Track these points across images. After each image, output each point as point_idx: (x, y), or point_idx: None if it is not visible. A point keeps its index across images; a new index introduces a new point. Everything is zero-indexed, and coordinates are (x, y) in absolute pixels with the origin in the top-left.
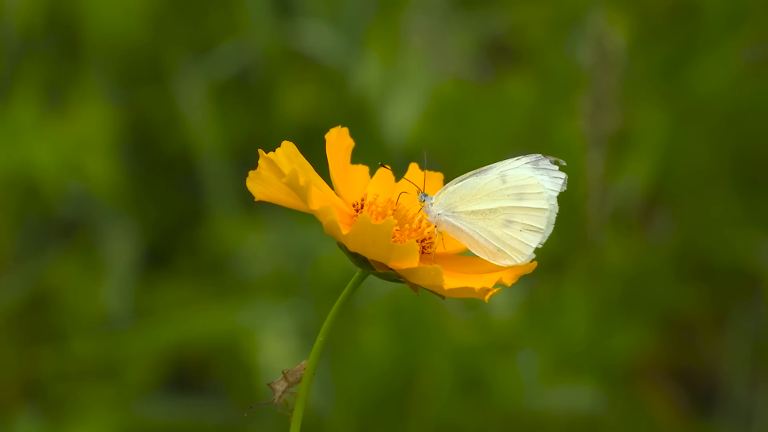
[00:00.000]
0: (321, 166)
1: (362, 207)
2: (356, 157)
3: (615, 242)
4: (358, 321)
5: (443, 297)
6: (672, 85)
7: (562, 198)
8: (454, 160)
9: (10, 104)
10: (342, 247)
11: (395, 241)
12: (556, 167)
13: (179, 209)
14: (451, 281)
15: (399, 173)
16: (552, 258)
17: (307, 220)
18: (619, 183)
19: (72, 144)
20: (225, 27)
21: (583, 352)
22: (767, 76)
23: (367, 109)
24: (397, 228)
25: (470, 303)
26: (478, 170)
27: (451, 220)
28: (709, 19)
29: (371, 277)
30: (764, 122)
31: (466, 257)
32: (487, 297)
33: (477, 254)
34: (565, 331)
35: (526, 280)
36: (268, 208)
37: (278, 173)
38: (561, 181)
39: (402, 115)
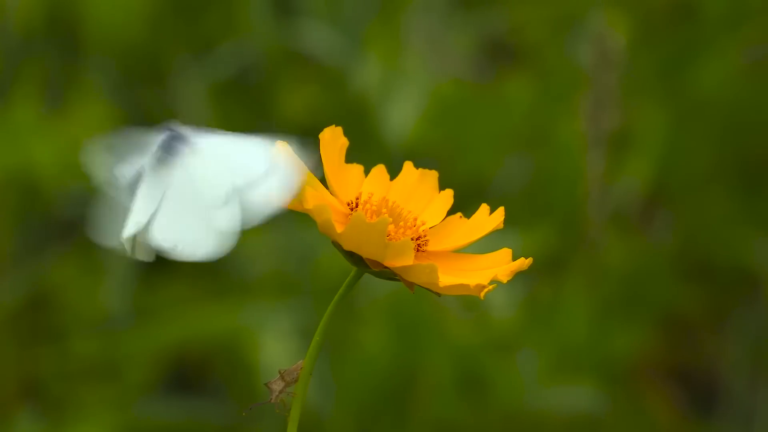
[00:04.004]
0: (321, 166)
1: (357, 206)
2: (356, 157)
3: (615, 242)
4: (358, 321)
5: (439, 294)
6: (672, 85)
7: (562, 198)
8: (454, 160)
9: (10, 104)
10: (337, 246)
11: (390, 239)
12: None
13: None
14: (447, 278)
15: (398, 173)
16: (552, 258)
17: (307, 219)
18: (619, 183)
19: (72, 144)
20: (225, 27)
21: (583, 352)
22: (767, 76)
23: (367, 109)
24: (392, 225)
25: (470, 303)
26: None
27: None
28: (709, 19)
29: (371, 277)
30: (764, 122)
31: (461, 254)
32: (482, 294)
33: None
34: (565, 331)
35: (525, 279)
36: None
37: None
38: None
39: (402, 115)
